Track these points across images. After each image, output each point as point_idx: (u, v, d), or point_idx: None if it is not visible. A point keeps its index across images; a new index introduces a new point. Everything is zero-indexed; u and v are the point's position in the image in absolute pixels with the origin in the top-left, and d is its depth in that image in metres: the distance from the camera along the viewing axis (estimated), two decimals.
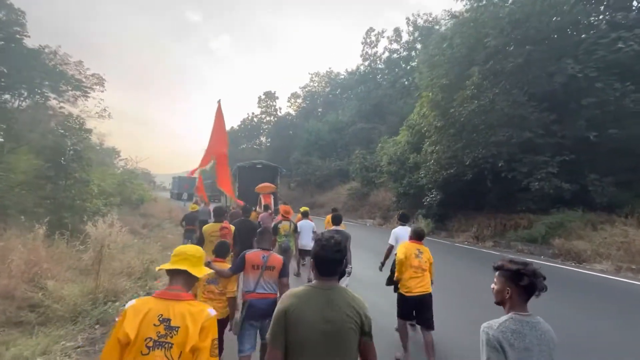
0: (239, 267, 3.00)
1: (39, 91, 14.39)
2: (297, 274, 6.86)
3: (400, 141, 20.12)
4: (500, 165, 10.69)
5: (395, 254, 3.83)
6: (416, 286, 3.44)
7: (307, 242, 6.14)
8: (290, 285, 2.92)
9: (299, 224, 6.29)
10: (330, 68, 65.12)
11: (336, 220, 5.61)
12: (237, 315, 3.02)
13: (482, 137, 11.22)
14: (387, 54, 32.93)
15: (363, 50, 37.83)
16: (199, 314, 1.47)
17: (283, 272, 3.00)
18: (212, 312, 1.53)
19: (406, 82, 28.10)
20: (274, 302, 2.85)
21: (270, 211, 7.98)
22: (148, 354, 1.39)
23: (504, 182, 11.34)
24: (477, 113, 10.87)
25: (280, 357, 1.46)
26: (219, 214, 4.68)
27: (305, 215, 6.65)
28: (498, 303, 1.57)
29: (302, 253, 6.37)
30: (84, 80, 26.82)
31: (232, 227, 4.60)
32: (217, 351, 1.49)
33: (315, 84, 53.51)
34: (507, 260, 1.56)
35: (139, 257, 6.60)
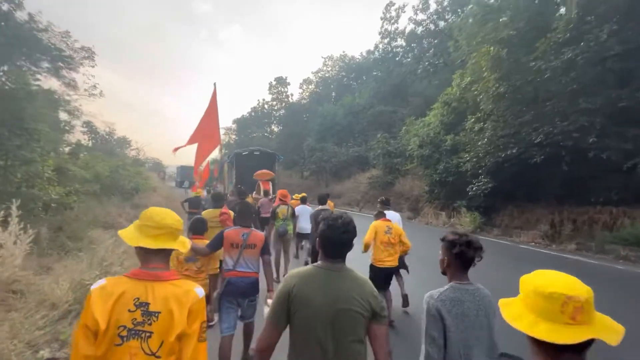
0: (217, 244, 2.87)
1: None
2: (296, 256, 7.18)
3: (430, 122, 17.39)
4: (590, 141, 7.92)
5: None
6: (386, 259, 3.81)
7: (304, 225, 6.25)
8: (288, 268, 3.26)
9: (296, 208, 6.39)
10: (344, 51, 61.81)
11: (322, 200, 5.83)
12: (215, 292, 2.85)
13: (563, 104, 8.45)
14: (411, 26, 29.61)
15: (382, 27, 34.56)
16: (185, 296, 1.25)
17: (264, 250, 2.94)
18: (200, 292, 1.31)
19: (434, 59, 24.98)
20: (255, 281, 2.85)
21: (270, 197, 8.09)
22: (121, 344, 1.17)
23: (586, 165, 8.64)
24: (564, 70, 8.08)
25: (276, 337, 1.41)
26: (218, 199, 4.72)
27: (303, 200, 6.82)
28: (443, 272, 1.71)
29: (300, 236, 6.53)
30: (68, 52, 24.26)
31: (232, 213, 4.25)
32: (205, 335, 1.29)
33: (329, 69, 50.75)
34: (451, 232, 1.73)
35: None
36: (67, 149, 16.00)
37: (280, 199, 6.21)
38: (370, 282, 1.47)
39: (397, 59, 33.73)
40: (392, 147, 19.77)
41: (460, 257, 1.60)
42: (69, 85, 29.58)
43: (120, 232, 1.36)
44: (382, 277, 3.76)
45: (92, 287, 1.23)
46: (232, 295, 2.77)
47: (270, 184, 10.14)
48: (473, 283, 1.61)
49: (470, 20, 13.49)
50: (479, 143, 11.19)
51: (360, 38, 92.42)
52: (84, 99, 28.25)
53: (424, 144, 15.21)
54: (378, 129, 27.88)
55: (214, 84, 6.42)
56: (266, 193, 8.38)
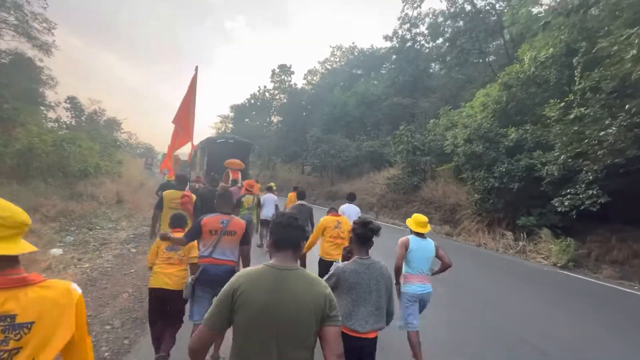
0: (195, 233, 2.78)
1: None
2: (260, 245, 7.31)
3: (475, 112, 13.70)
4: None
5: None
6: (334, 252, 3.80)
7: (268, 212, 6.86)
8: (252, 257, 2.93)
9: (263, 197, 6.96)
10: (354, 42, 57.80)
11: (301, 195, 5.90)
12: (189, 279, 2.74)
13: None
14: (442, 5, 25.81)
15: (402, 11, 30.83)
16: (64, 297, 1.04)
17: (245, 239, 2.88)
18: (78, 288, 1.11)
19: (467, 43, 21.29)
20: (231, 270, 2.71)
21: (238, 185, 8.34)
22: None
23: None
24: None
25: (209, 339, 1.32)
26: (182, 182, 4.60)
27: (269, 189, 7.44)
28: (350, 251, 2.32)
29: (264, 224, 6.85)
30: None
31: (194, 196, 4.48)
32: (86, 328, 1.11)
33: (337, 59, 47.00)
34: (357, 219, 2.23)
35: None
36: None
37: (247, 189, 6.39)
38: (322, 281, 1.42)
39: (417, 45, 30.08)
40: (418, 142, 16.03)
41: (359, 237, 2.12)
42: (41, 49, 25.56)
43: None
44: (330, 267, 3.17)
45: None
46: (206, 284, 2.69)
47: (240, 173, 10.23)
48: (370, 257, 2.13)
49: None
50: (595, 138, 7.44)
51: (370, 31, 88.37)
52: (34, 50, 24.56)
53: (474, 139, 11.50)
54: (394, 123, 24.24)
55: (196, 67, 6.40)
56: (234, 182, 8.67)
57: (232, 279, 1.36)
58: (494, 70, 21.55)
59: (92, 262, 4.76)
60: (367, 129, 25.46)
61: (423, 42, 30.35)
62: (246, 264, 2.86)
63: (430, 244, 3.20)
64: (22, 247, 1.03)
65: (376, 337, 2.08)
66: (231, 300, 1.28)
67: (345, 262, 2.14)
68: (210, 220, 2.74)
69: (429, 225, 3.22)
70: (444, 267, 3.28)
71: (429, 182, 15.21)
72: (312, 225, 5.00)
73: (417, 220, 3.23)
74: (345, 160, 21.74)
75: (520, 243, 8.92)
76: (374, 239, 2.14)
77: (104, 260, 4.94)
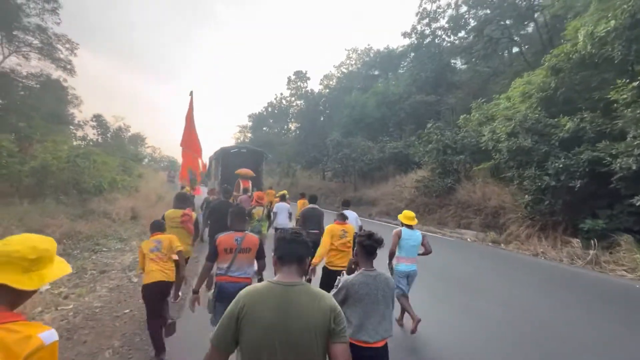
0: (213, 254, 2.80)
1: None
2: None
3: (511, 103, 12.29)
4: None
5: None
6: (338, 262, 3.79)
7: (282, 221, 6.84)
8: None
9: (276, 205, 7.14)
10: (369, 44, 56.57)
11: (312, 199, 6.13)
12: (210, 293, 2.84)
13: None
14: None
15: (420, 6, 29.58)
16: (20, 344, 0.91)
17: (260, 254, 2.92)
18: (48, 337, 0.97)
19: (497, 31, 19.78)
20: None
21: (249, 194, 8.20)
22: None
23: None
24: None
25: (218, 358, 1.28)
26: (182, 201, 4.49)
27: (282, 198, 7.52)
28: (355, 263, 2.30)
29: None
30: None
31: (194, 214, 4.45)
32: None
33: (353, 62, 46.11)
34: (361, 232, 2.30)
35: None
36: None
37: (257, 201, 6.56)
38: (327, 295, 1.38)
39: (437, 41, 28.67)
40: (449, 140, 14.67)
41: (366, 249, 2.17)
42: (65, 69, 26.20)
43: None
44: (334, 279, 3.14)
45: None
46: (222, 300, 2.73)
47: (250, 182, 10.41)
48: (376, 269, 2.17)
49: None
50: None
51: (384, 32, 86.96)
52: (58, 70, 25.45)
53: (519, 132, 10.11)
54: (418, 122, 22.86)
55: (191, 92, 7.33)
56: (245, 191, 8.84)
57: (235, 298, 1.33)
58: (527, 59, 19.89)
59: (79, 301, 3.93)
60: (389, 129, 24.23)
61: (444, 36, 28.92)
62: (262, 271, 2.97)
63: (417, 234, 4.06)
64: (17, 281, 0.99)
65: (386, 345, 2.13)
66: (236, 319, 1.26)
67: (353, 275, 2.17)
68: (224, 238, 2.78)
69: (416, 219, 4.09)
70: (426, 252, 4.12)
71: (465, 183, 13.79)
72: (321, 230, 4.98)
73: (406, 215, 4.10)
74: (368, 164, 20.56)
75: (592, 252, 7.46)
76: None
77: (95, 297, 4.11)
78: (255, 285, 1.36)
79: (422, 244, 4.08)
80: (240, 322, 1.24)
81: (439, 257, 7.58)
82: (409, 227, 4.01)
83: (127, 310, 3.74)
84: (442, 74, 25.87)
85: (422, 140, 16.44)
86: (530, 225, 9.99)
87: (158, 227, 3.62)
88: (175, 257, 3.34)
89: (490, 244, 10.04)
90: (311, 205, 5.77)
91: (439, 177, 14.72)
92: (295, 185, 26.72)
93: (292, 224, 7.45)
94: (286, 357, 1.21)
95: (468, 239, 10.83)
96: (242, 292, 1.32)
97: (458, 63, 29.33)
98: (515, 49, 23.81)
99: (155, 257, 3.28)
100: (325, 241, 3.77)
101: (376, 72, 39.23)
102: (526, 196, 9.50)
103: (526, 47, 22.46)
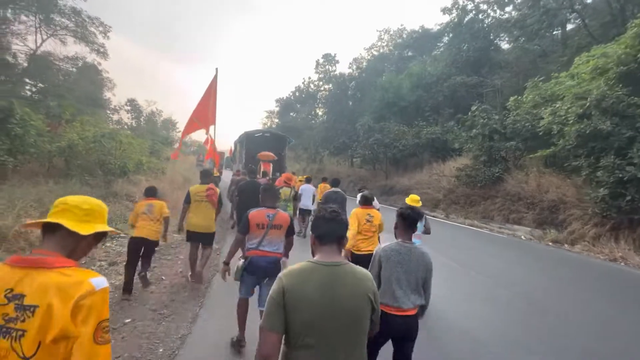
0: (245, 227, 2.85)
1: None
2: (299, 233, 7.18)
3: (578, 81, 10.52)
4: None
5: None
6: (366, 247, 3.73)
7: (306, 202, 7.27)
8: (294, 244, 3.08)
9: (301, 187, 7.51)
10: (402, 24, 53.55)
11: (335, 183, 6.33)
12: (240, 263, 2.86)
13: None
14: None
15: None
16: (72, 287, 0.95)
17: (290, 231, 2.99)
18: (99, 283, 1.00)
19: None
20: (277, 261, 2.87)
21: (268, 177, 8.39)
22: None
23: None
24: None
25: (276, 341, 1.23)
26: (207, 175, 4.71)
27: (308, 181, 7.91)
28: (395, 235, 2.28)
29: (303, 212, 7.35)
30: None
31: (217, 189, 4.63)
32: (108, 336, 0.99)
33: (384, 44, 43.64)
34: (402, 205, 2.38)
35: None
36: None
37: (285, 182, 6.75)
38: (369, 275, 1.39)
39: (480, 16, 26.14)
40: (497, 125, 13.07)
41: (405, 221, 2.16)
42: (98, 53, 26.54)
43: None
44: (360, 262, 2.95)
45: None
46: (252, 272, 2.81)
47: (271, 165, 10.59)
48: (413, 242, 2.18)
49: None
50: None
51: (418, 12, 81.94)
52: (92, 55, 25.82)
53: (593, 113, 8.51)
54: (457, 106, 21.02)
55: (216, 69, 7.90)
56: (264, 174, 9.11)
57: (279, 277, 1.30)
58: (591, 33, 17.40)
59: None
60: (425, 114, 22.52)
61: (489, 10, 26.28)
62: (289, 250, 3.07)
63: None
64: (58, 219, 1.05)
65: (417, 314, 2.12)
66: (282, 299, 1.23)
67: (387, 243, 2.19)
68: (256, 214, 2.84)
69: (420, 202, 4.45)
70: (426, 231, 4.36)
71: (515, 172, 12.26)
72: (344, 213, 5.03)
73: (413, 198, 4.51)
74: (402, 150, 19.21)
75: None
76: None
77: None
78: (296, 265, 1.33)
79: (424, 224, 4.28)
80: (286, 301, 1.22)
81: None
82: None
83: (128, 320, 3.03)
84: (485, 53, 23.62)
85: (464, 125, 14.89)
86: (599, 223, 8.52)
87: (152, 192, 4.24)
88: (167, 215, 4.25)
89: (550, 243, 8.67)
90: (333, 189, 5.84)
91: (484, 165, 13.26)
92: (323, 171, 25.83)
93: (314, 207, 7.57)
94: (337, 332, 1.21)
95: (522, 237, 9.49)
96: (281, 273, 1.31)
97: (501, 42, 26.75)
98: (569, 27, 21.13)
99: (147, 217, 3.99)
100: (352, 226, 3.70)
101: (410, 54, 36.87)
102: (601, 189, 8.01)
103: (586, 20, 19.77)
